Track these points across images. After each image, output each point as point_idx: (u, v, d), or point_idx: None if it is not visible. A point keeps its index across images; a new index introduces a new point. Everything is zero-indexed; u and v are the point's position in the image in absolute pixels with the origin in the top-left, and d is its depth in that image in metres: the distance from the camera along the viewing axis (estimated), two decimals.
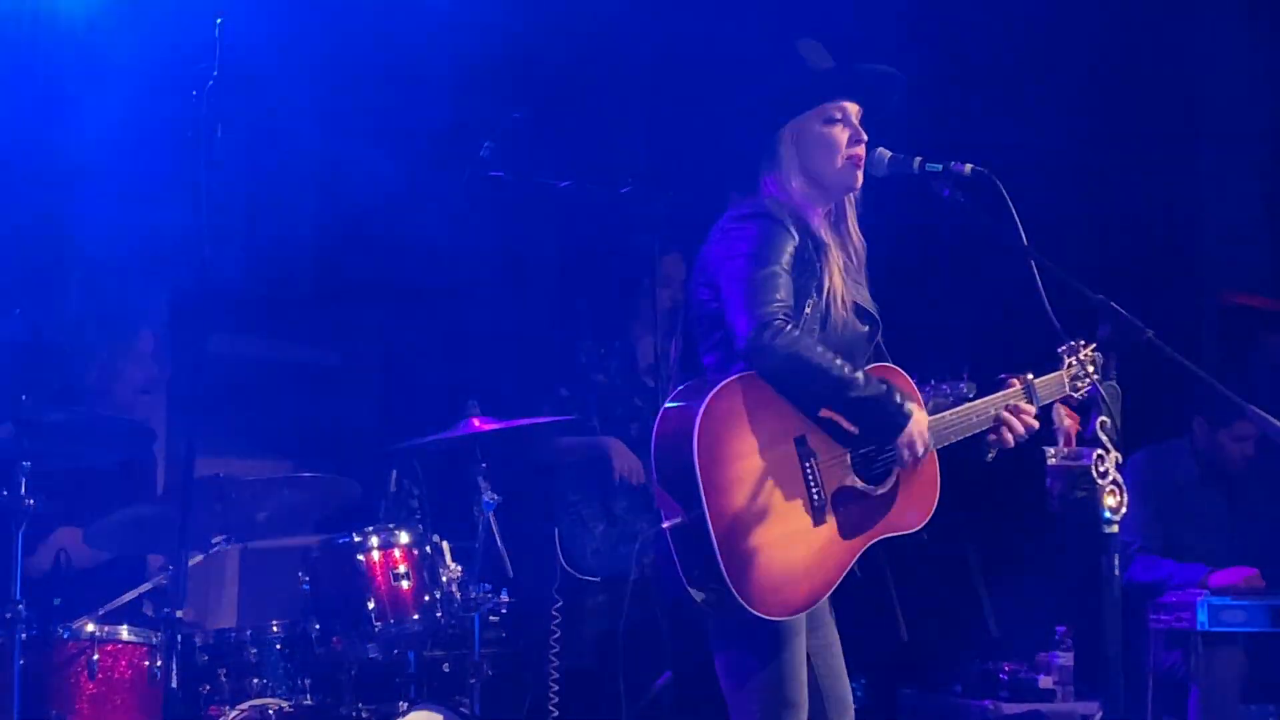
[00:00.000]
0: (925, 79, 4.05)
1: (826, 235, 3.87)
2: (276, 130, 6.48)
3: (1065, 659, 6.48)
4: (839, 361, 3.68)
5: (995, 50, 7.33)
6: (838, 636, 3.98)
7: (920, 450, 3.74)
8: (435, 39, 7.04)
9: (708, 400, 3.61)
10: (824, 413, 3.74)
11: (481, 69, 7.24)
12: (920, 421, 3.75)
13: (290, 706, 4.64)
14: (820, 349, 3.67)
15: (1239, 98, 7.79)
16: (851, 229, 3.97)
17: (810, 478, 3.71)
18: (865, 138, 3.91)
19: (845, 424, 3.75)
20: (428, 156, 6.97)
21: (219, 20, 3.79)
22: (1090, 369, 4.00)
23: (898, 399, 3.72)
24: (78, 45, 5.86)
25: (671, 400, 3.75)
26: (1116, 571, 3.52)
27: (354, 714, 4.60)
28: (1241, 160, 7.84)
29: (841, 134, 3.90)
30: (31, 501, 4.28)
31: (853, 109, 3.93)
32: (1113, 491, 3.55)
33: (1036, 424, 3.97)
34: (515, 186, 5.23)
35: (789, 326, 3.65)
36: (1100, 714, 6.23)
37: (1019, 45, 7.38)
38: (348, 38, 6.76)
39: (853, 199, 3.98)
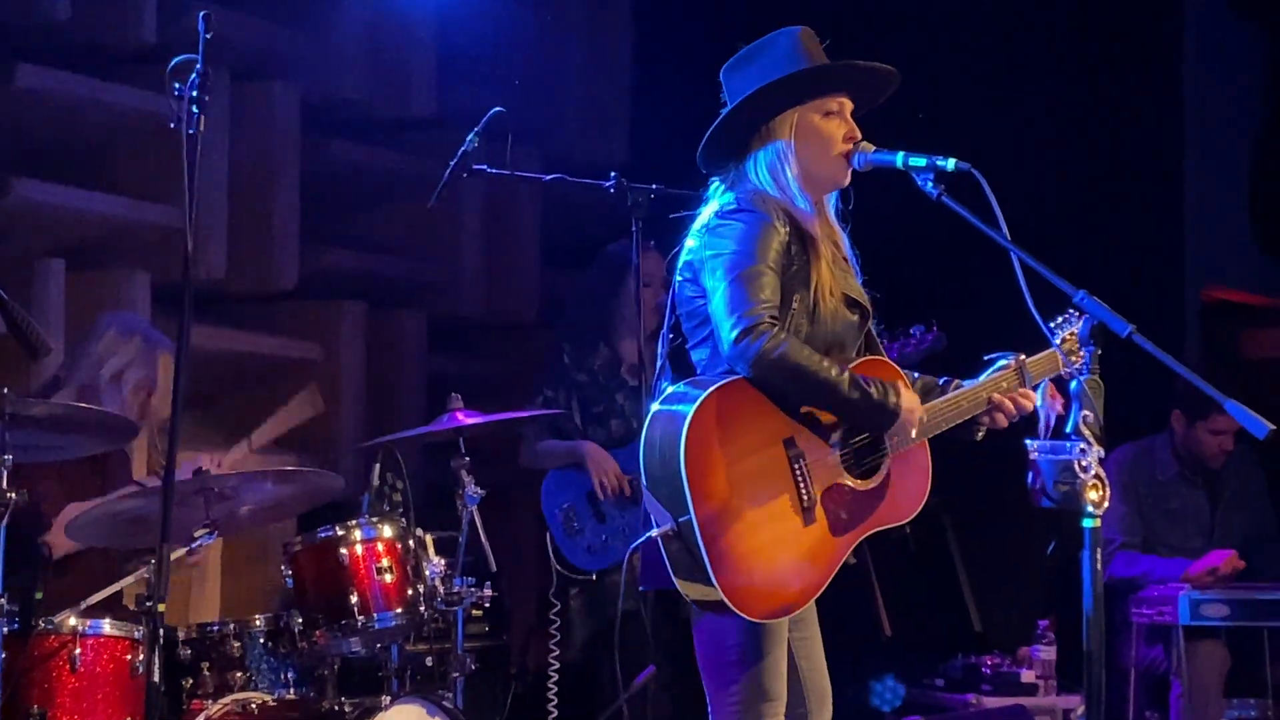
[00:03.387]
0: (910, 71, 4.05)
1: (814, 228, 3.87)
2: (261, 122, 6.47)
3: (1048, 653, 6.50)
4: (825, 364, 3.68)
5: (977, 42, 7.34)
6: (819, 629, 3.99)
7: (914, 433, 3.74)
8: (422, 29, 7.04)
9: (695, 408, 3.61)
10: (812, 412, 3.75)
11: (468, 60, 7.24)
12: (911, 404, 3.75)
13: (273, 701, 4.63)
14: (807, 351, 3.67)
15: (1223, 93, 7.81)
16: (830, 221, 3.98)
17: (799, 478, 3.71)
18: (859, 135, 3.92)
19: (832, 421, 3.76)
20: (413, 147, 6.98)
21: (203, 13, 3.77)
22: (1078, 347, 4.01)
23: (883, 393, 3.71)
24: (64, 34, 5.84)
25: (660, 403, 3.75)
26: (1099, 566, 3.53)
27: (337, 708, 4.58)
28: (1225, 156, 7.86)
29: (838, 128, 3.90)
30: (13, 495, 4.27)
31: (848, 104, 3.94)
32: (1095, 486, 3.55)
33: (1030, 404, 3.97)
34: (499, 179, 5.23)
35: (776, 329, 3.66)
36: (1082, 708, 6.25)
37: (1002, 37, 7.39)
38: (335, 29, 6.76)
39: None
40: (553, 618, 5.85)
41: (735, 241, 3.76)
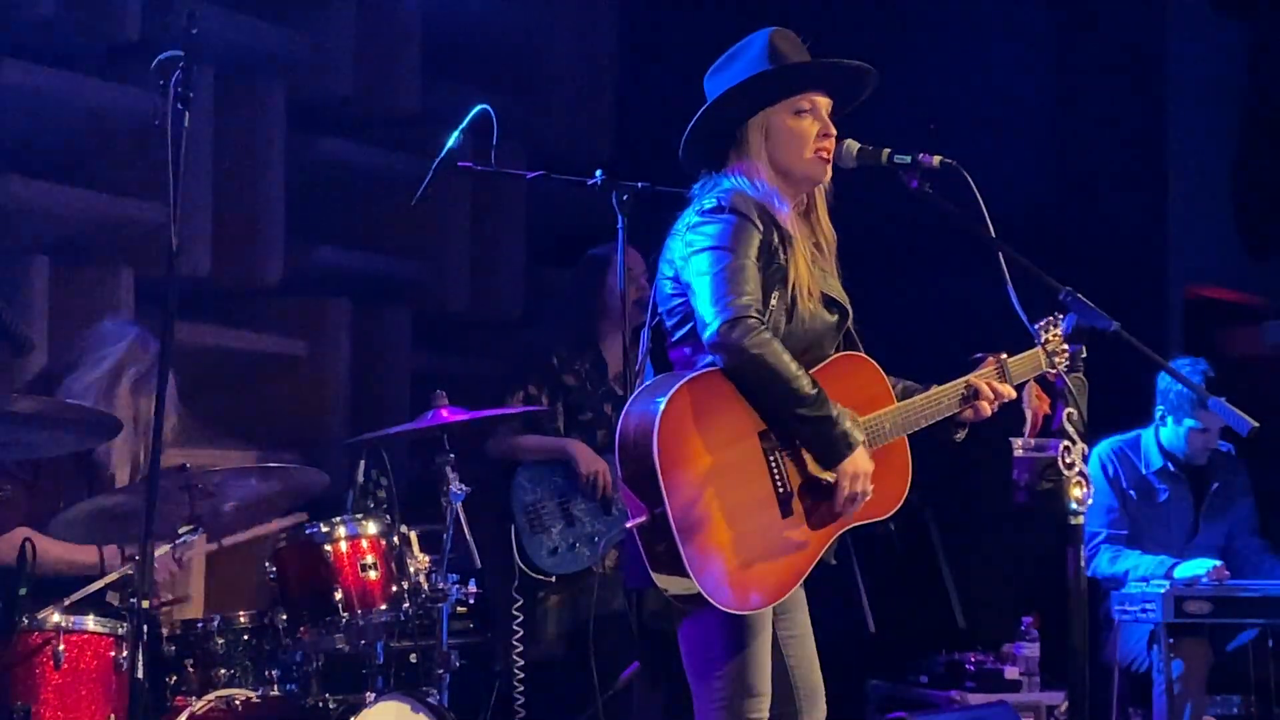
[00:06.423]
0: (894, 68, 4.06)
1: (793, 228, 3.88)
2: (247, 118, 6.46)
3: (1031, 650, 6.51)
4: (801, 374, 3.68)
5: (961, 39, 7.35)
6: (810, 625, 3.99)
7: (860, 489, 3.72)
8: (408, 26, 7.03)
9: (668, 398, 3.61)
10: None
11: (454, 56, 7.24)
12: (861, 462, 3.72)
13: (257, 697, 4.63)
14: (787, 358, 3.67)
15: (1206, 91, 7.83)
16: (821, 219, 3.98)
17: (775, 471, 3.71)
18: (834, 131, 3.92)
19: None
20: (399, 144, 6.98)
21: (189, 10, 3.77)
22: (1063, 347, 3.99)
23: (846, 427, 3.71)
24: (49, 31, 5.83)
25: (635, 397, 3.75)
26: (1082, 563, 3.54)
27: (320, 705, 4.59)
28: (1207, 153, 7.88)
29: (811, 127, 3.90)
30: None
31: (823, 102, 3.93)
32: (1079, 483, 3.57)
33: (1009, 393, 3.97)
34: (484, 177, 5.22)
35: (761, 326, 3.66)
36: (1066, 704, 6.26)
37: (985, 35, 7.40)
38: (321, 26, 6.76)
39: (822, 190, 3.99)
40: (515, 613, 5.83)
41: (715, 239, 3.77)
